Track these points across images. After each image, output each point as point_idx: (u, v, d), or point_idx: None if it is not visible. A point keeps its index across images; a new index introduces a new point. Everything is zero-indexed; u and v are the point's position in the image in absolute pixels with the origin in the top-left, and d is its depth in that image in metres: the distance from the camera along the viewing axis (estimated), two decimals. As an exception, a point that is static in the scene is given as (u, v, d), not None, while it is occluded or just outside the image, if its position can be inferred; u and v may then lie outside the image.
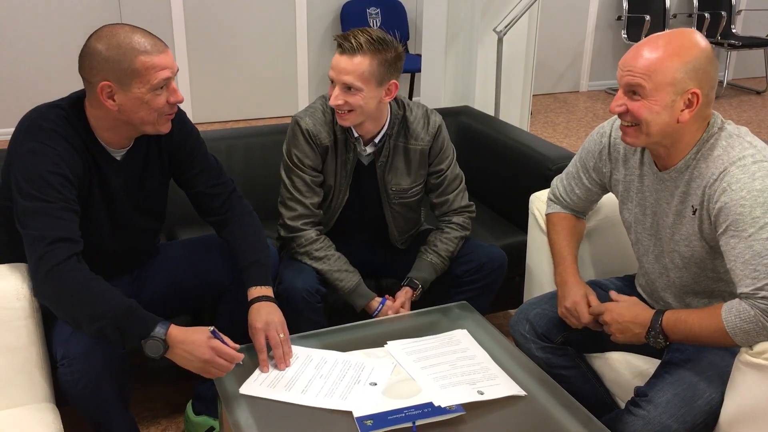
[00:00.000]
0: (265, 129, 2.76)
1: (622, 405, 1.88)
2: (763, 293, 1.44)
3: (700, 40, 1.55)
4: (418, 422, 1.53)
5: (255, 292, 1.79)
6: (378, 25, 5.42)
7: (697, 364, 1.64)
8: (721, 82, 6.84)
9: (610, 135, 1.82)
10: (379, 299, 2.07)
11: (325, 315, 2.05)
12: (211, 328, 1.61)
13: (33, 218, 1.56)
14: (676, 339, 1.61)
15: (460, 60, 3.36)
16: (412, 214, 2.22)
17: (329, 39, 5.45)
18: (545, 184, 2.38)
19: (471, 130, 2.88)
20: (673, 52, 1.52)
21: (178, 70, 1.69)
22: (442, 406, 1.58)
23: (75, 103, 1.69)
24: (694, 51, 1.53)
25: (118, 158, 1.74)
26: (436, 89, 3.42)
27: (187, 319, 2.08)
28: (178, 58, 5.06)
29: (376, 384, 1.66)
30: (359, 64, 1.88)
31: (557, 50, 6.31)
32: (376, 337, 1.87)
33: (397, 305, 2.05)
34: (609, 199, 2.03)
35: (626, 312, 1.68)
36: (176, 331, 1.59)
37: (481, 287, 2.15)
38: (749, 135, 1.58)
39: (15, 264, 1.68)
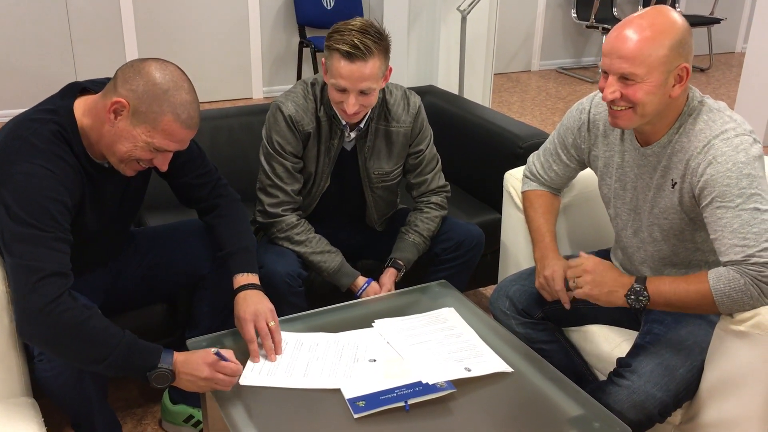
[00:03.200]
0: (231, 111, 2.70)
1: (601, 377, 1.92)
2: (754, 260, 1.49)
3: (677, 14, 1.58)
4: (410, 401, 1.53)
5: (241, 279, 1.75)
6: (331, 5, 5.36)
7: (677, 333, 1.69)
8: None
9: (590, 111, 1.85)
10: (364, 278, 2.06)
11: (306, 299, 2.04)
12: (214, 349, 1.56)
13: (24, 246, 1.45)
14: (659, 302, 1.61)
15: (423, 39, 3.35)
16: (392, 197, 2.22)
17: (282, 20, 5.37)
18: (517, 163, 2.41)
19: (438, 110, 2.88)
20: (660, 30, 1.53)
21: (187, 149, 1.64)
22: (431, 383, 1.58)
23: (69, 115, 1.58)
24: (677, 26, 1.55)
25: (106, 165, 1.66)
26: (399, 69, 3.40)
27: (164, 308, 2.04)
28: (127, 40, 4.92)
29: (375, 360, 1.66)
30: (372, 67, 1.84)
31: (509, 30, 6.35)
32: (362, 317, 1.86)
33: (385, 290, 2.05)
34: (583, 175, 2.06)
35: (607, 270, 1.67)
36: (180, 357, 1.55)
37: (460, 265, 2.16)
38: (728, 109, 1.62)
39: (-13, 256, 1.60)
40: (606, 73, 1.61)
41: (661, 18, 1.55)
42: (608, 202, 1.87)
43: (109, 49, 4.89)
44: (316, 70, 5.17)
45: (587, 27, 6.49)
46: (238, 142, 2.59)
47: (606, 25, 6.17)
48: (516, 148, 2.47)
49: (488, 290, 2.89)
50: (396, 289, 2.09)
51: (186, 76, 1.59)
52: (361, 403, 1.53)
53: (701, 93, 1.67)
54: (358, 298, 2.06)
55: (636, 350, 1.69)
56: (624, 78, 1.57)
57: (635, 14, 1.59)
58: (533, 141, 2.47)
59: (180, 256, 1.92)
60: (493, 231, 2.38)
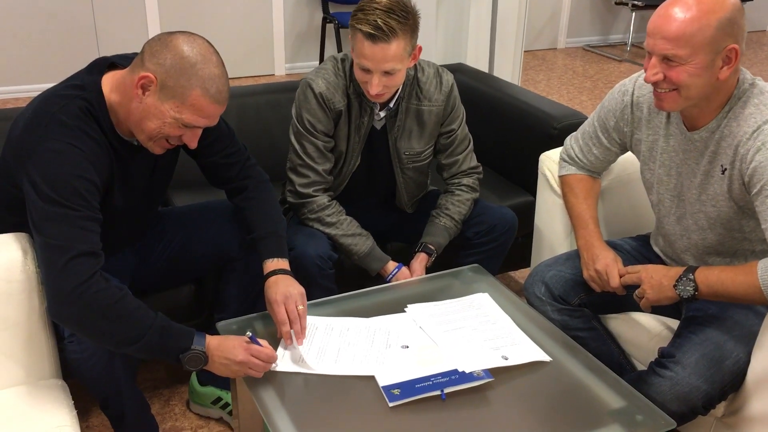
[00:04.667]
0: (258, 88, 2.66)
1: (639, 366, 1.87)
2: None
3: None
4: (447, 390, 1.49)
5: (271, 265, 1.71)
6: (356, -20, 5.27)
7: (723, 324, 1.63)
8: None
9: (633, 93, 1.78)
10: (394, 263, 2.01)
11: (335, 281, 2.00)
12: (249, 333, 1.53)
13: (54, 225, 1.42)
14: (707, 292, 1.57)
15: (452, 15, 3.27)
16: (423, 178, 2.16)
17: (306, -5, 5.30)
18: (551, 144, 2.34)
19: (468, 89, 2.80)
20: (707, 9, 1.46)
21: (215, 125, 1.59)
22: (467, 371, 1.54)
23: (97, 91, 1.54)
24: (726, 4, 1.48)
25: (135, 143, 1.62)
26: (427, 46, 3.32)
27: (191, 289, 2.01)
28: (149, 15, 4.87)
29: (408, 347, 1.62)
30: (396, 48, 1.78)
31: (535, 6, 6.21)
32: (394, 302, 1.82)
33: (415, 276, 2.00)
34: (621, 158, 1.99)
35: (658, 270, 1.66)
36: (213, 340, 1.52)
37: (492, 249, 2.11)
38: None
39: (16, 234, 1.57)
40: (649, 54, 1.54)
41: None
42: (650, 187, 1.81)
43: (131, 24, 4.84)
44: (339, 47, 5.10)
45: (616, 3, 6.34)
46: (264, 120, 2.54)
47: (636, 2, 6.03)
48: (550, 129, 2.41)
49: (519, 274, 2.84)
50: (427, 274, 2.04)
51: (214, 49, 1.54)
52: (396, 391, 1.49)
53: (753, 75, 1.59)
54: (388, 283, 2.01)
55: (679, 340, 1.64)
56: (667, 59, 1.50)
57: None
58: (568, 121, 2.40)
59: (209, 237, 1.89)
60: (525, 214, 2.33)
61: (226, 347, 1.51)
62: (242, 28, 5.20)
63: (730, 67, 1.50)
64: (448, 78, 2.05)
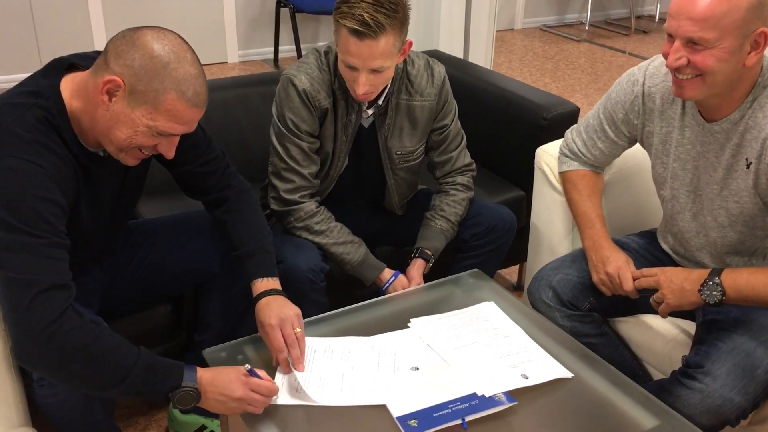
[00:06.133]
0: (225, 82, 2.46)
1: (654, 372, 1.78)
2: None
3: None
4: (468, 418, 1.36)
5: (261, 285, 1.55)
6: (310, -39, 5.04)
7: (749, 329, 1.54)
8: (652, 17, 6.84)
9: (644, 83, 1.66)
10: (390, 270, 1.87)
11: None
12: (247, 366, 1.36)
13: (15, 256, 1.23)
14: (735, 297, 1.48)
15: (423, 0, 3.11)
16: (415, 178, 2.02)
17: (257, -21, 5.06)
18: (541, 135, 2.24)
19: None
20: None
21: (191, 132, 1.40)
22: (487, 395, 1.41)
23: (56, 97, 1.34)
24: None
25: (102, 154, 1.43)
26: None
27: (167, 309, 1.83)
28: (91, 1, 4.57)
29: (418, 369, 1.48)
30: (385, 44, 1.63)
31: (492, -14, 6.11)
32: (394, 315, 1.68)
33: (414, 284, 1.86)
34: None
35: (677, 273, 1.56)
36: (206, 374, 1.35)
37: (490, 252, 1.99)
38: None
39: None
40: (671, 37, 1.43)
41: None
42: (663, 182, 1.70)
43: (71, 10, 4.52)
44: (296, 33, 4.89)
45: (572, -17, 6.28)
46: (233, 116, 2.35)
47: (593, -19, 5.97)
48: (539, 120, 2.28)
49: (507, 272, 2.72)
50: (424, 280, 1.90)
51: (188, 45, 1.35)
52: (413, 422, 1.35)
53: None
54: (384, 293, 1.87)
55: (705, 348, 1.54)
56: (692, 42, 1.39)
57: None
58: (558, 111, 2.29)
59: (187, 252, 1.71)
60: (516, 210, 2.20)
61: (222, 382, 1.35)
62: (191, 13, 4.93)
63: (758, 53, 1.40)
64: (440, 70, 1.91)
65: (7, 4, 4.28)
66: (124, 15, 4.69)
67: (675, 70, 1.43)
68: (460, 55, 3.15)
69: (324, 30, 5.46)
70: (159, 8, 4.80)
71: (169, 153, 1.39)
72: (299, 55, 4.92)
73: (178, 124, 1.33)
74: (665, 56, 1.45)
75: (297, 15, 4.83)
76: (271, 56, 5.22)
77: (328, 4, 5.16)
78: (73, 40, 4.47)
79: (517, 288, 2.64)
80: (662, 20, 6.74)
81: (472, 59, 3.14)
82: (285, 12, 4.97)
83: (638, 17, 6.73)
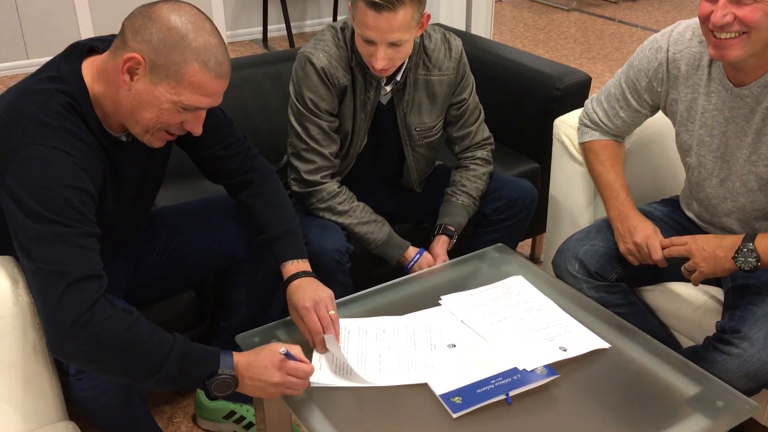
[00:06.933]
0: (256, 59, 2.39)
1: (683, 340, 1.78)
2: None
3: None
4: (511, 393, 1.36)
5: (291, 268, 1.53)
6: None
7: (782, 291, 1.54)
8: None
9: (668, 50, 1.64)
10: (415, 248, 1.85)
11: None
12: (283, 348, 1.33)
13: (46, 247, 1.20)
14: None
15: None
16: (433, 154, 2.00)
17: (244, -44, 4.97)
18: (554, 107, 2.23)
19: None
20: None
21: (218, 105, 1.35)
22: (528, 369, 1.41)
23: (78, 82, 1.30)
24: None
25: (125, 139, 1.40)
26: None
27: (191, 296, 1.81)
28: (75, -15, 4.46)
29: (455, 346, 1.47)
30: (404, 17, 1.60)
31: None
32: (424, 293, 1.67)
33: (439, 261, 1.84)
34: (641, 119, 1.87)
35: (709, 240, 1.55)
36: (242, 359, 1.33)
37: (511, 225, 1.98)
38: None
39: (2, 258, 1.33)
40: None
41: None
42: (688, 149, 1.69)
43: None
44: (285, 11, 4.82)
45: (559, -48, 6.23)
46: (242, 98, 2.30)
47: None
48: (552, 90, 2.26)
49: (522, 245, 2.71)
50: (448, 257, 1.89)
51: (205, 15, 1.31)
52: (457, 399, 1.34)
53: None
54: (409, 271, 1.85)
55: (739, 312, 1.54)
56: None
57: None
58: (570, 81, 2.27)
59: (211, 239, 1.68)
60: (532, 182, 2.19)
61: (258, 368, 1.33)
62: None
63: None
64: (457, 44, 1.88)
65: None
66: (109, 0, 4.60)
67: (718, 30, 1.41)
68: (461, 27, 3.11)
69: (312, 9, 5.39)
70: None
71: (197, 129, 1.36)
72: (289, 35, 4.86)
73: (204, 96, 1.30)
74: (704, 17, 1.42)
75: (286, -7, 4.77)
76: (260, 36, 5.15)
77: (317, -17, 5.06)
78: (58, 28, 4.38)
79: (532, 261, 2.64)
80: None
81: (474, 31, 3.10)
82: (273, -9, 4.91)
83: (625, -16, 6.71)
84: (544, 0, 6.32)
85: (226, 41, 5.09)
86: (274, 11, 5.01)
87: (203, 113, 1.35)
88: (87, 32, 4.50)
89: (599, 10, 5.98)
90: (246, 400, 1.82)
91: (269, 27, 5.10)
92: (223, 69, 1.30)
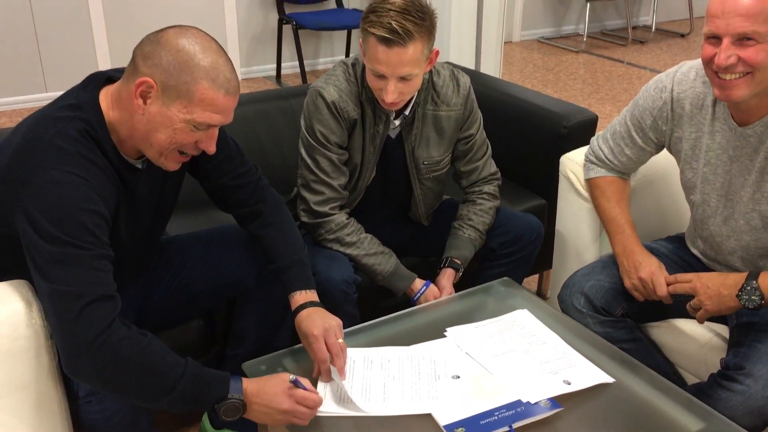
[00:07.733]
0: (243, 98, 2.45)
1: (688, 377, 1.78)
2: None
3: None
4: (515, 425, 1.36)
5: (300, 298, 1.56)
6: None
7: (787, 329, 1.55)
8: (648, 27, 6.92)
9: (672, 90, 1.68)
10: (421, 281, 1.87)
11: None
12: (292, 377, 1.36)
13: (62, 268, 1.23)
14: None
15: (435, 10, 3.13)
16: (441, 187, 2.03)
17: (259, -5, 5.09)
18: (561, 144, 2.26)
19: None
20: None
21: (229, 123, 1.40)
22: (532, 402, 1.42)
23: (96, 110, 1.35)
24: None
25: (140, 166, 1.44)
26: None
27: (200, 324, 1.83)
28: (94, 18, 4.57)
29: (459, 377, 1.48)
30: (413, 51, 1.65)
31: None
32: (429, 325, 1.69)
33: (445, 293, 1.86)
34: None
35: (713, 278, 1.56)
36: (251, 385, 1.35)
37: (518, 260, 2.00)
38: None
39: (15, 282, 1.37)
40: (714, 38, 1.44)
41: None
42: (693, 187, 1.71)
43: (74, 29, 4.53)
44: (299, 49, 4.91)
45: (569, -5, 6.34)
46: (254, 132, 2.35)
47: (590, -7, 6.04)
48: (559, 128, 2.30)
49: (528, 281, 2.72)
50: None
51: (211, 37, 1.37)
52: (461, 430, 1.35)
53: None
54: (415, 303, 1.87)
55: (743, 350, 1.55)
56: (743, 39, 1.40)
57: None
58: (577, 119, 2.31)
59: (221, 267, 1.71)
60: (539, 218, 2.21)
61: (267, 394, 1.35)
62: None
63: None
64: (465, 80, 1.93)
65: (10, 25, 4.29)
66: (127, 36, 4.69)
67: (723, 71, 1.44)
68: (471, 66, 3.17)
69: (325, 47, 5.49)
70: (160, 25, 4.79)
71: (210, 147, 1.40)
72: (302, 72, 4.94)
73: (215, 113, 1.34)
74: (707, 59, 1.46)
75: (299, 31, 4.86)
76: (274, 73, 5.24)
77: (329, 21, 5.22)
78: (77, 62, 4.47)
79: (538, 296, 2.64)
80: (659, 30, 6.83)
81: (483, 70, 3.16)
82: (287, 29, 5.00)
83: (634, 27, 6.80)
84: (553, 41, 6.41)
85: (240, 78, 5.16)
86: (288, 48, 5.11)
87: (216, 131, 1.39)
88: (105, 66, 4.60)
89: (608, 52, 6.06)
90: (249, 430, 1.83)
91: (283, 64, 5.19)
92: (232, 85, 1.34)
